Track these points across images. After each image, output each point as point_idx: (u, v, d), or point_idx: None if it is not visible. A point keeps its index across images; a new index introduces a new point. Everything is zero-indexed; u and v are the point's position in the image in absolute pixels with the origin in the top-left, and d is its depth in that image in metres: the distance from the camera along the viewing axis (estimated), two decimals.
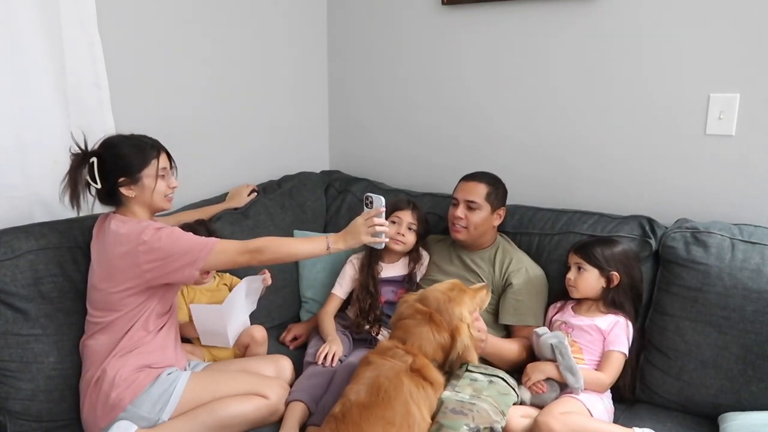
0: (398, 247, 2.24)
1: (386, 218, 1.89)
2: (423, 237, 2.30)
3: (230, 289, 2.21)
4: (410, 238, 2.25)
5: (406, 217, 2.25)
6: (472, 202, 2.12)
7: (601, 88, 2.26)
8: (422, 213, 2.30)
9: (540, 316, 2.08)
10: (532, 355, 2.00)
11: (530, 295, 2.08)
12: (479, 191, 2.13)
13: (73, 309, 1.87)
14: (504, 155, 2.52)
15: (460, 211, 2.14)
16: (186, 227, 1.96)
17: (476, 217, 2.12)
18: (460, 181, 2.21)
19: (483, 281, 2.12)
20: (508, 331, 2.13)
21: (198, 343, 2.11)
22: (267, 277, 2.08)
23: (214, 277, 2.20)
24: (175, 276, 1.74)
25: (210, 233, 2.02)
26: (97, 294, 1.78)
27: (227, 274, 2.24)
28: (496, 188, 2.16)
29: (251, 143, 2.71)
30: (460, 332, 1.77)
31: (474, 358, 1.81)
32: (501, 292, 2.11)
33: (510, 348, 2.00)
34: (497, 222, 2.19)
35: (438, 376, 1.76)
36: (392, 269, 2.28)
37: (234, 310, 2.00)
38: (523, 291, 2.08)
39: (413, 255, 2.29)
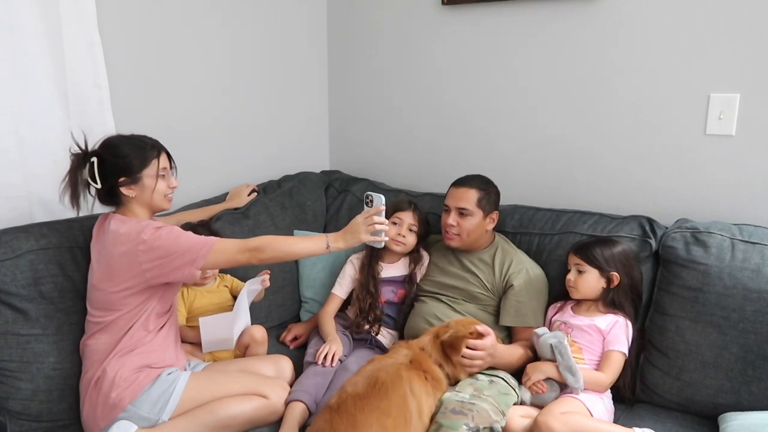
0: (398, 248, 2.24)
1: (387, 218, 1.89)
2: (423, 238, 2.30)
3: (230, 291, 2.22)
4: (410, 240, 2.25)
5: (407, 218, 2.24)
6: (463, 209, 2.10)
7: (601, 88, 2.26)
8: (423, 214, 2.29)
9: (541, 317, 2.08)
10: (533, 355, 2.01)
11: (531, 296, 2.08)
12: (470, 197, 2.11)
13: (73, 309, 1.87)
14: (504, 155, 2.52)
15: (452, 219, 2.12)
16: (188, 228, 1.96)
17: (468, 224, 2.11)
18: (450, 186, 2.19)
19: (483, 282, 2.12)
20: (508, 332, 2.13)
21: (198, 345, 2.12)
22: (266, 279, 2.07)
23: (215, 278, 2.20)
24: (175, 275, 1.74)
25: (213, 235, 2.01)
26: (97, 294, 1.78)
27: (228, 275, 2.24)
28: (488, 192, 2.14)
29: (251, 143, 2.71)
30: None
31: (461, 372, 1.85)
32: (502, 293, 2.11)
33: (519, 354, 1.98)
34: (491, 226, 2.17)
35: (437, 371, 1.79)
36: (392, 269, 2.28)
37: (240, 314, 2.00)
38: (524, 292, 2.07)
39: (414, 255, 2.28)
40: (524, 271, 2.10)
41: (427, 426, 1.71)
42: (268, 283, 2.08)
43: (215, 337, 2.01)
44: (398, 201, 2.31)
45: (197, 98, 2.48)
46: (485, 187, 2.15)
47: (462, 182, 2.17)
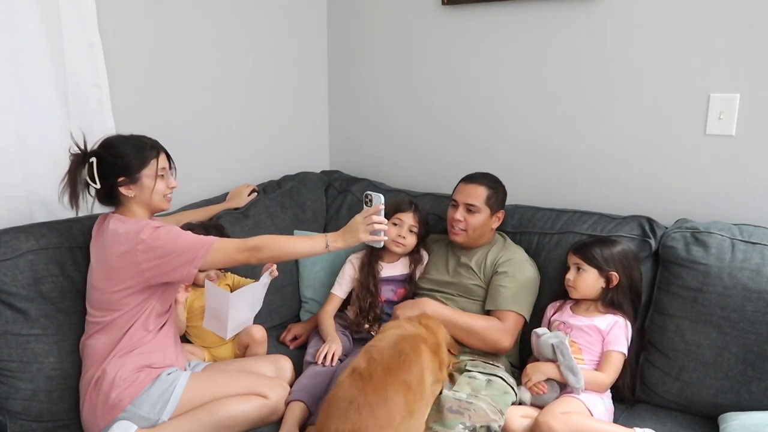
0: (398, 249, 2.24)
1: (388, 219, 1.89)
2: (423, 238, 2.30)
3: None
4: (411, 241, 2.25)
5: (408, 219, 2.24)
6: (471, 205, 2.11)
7: (601, 88, 2.26)
8: (424, 215, 2.29)
9: (524, 307, 2.06)
10: (529, 354, 2.01)
11: (516, 283, 2.06)
12: (479, 194, 2.12)
13: (73, 309, 1.87)
14: (504, 155, 2.52)
15: (459, 214, 2.12)
16: (199, 229, 1.96)
17: (475, 220, 2.11)
18: (459, 182, 2.20)
19: (476, 273, 2.13)
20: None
21: (198, 343, 2.12)
22: (274, 269, 2.04)
23: (218, 278, 2.19)
24: (173, 274, 1.74)
25: (223, 236, 1.99)
26: (96, 294, 1.79)
27: (230, 273, 2.24)
28: (496, 191, 2.15)
29: (251, 143, 2.71)
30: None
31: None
32: (488, 282, 2.11)
33: (478, 321, 2.01)
34: (496, 224, 2.18)
35: (445, 352, 1.84)
36: (392, 269, 2.28)
37: (240, 303, 1.97)
38: (509, 279, 2.06)
39: (414, 256, 2.28)
40: (513, 261, 2.10)
41: (432, 401, 1.73)
42: (276, 273, 2.05)
43: (213, 309, 1.98)
44: (399, 201, 2.30)
45: (197, 98, 2.48)
46: (494, 185, 2.16)
47: (472, 179, 2.17)
